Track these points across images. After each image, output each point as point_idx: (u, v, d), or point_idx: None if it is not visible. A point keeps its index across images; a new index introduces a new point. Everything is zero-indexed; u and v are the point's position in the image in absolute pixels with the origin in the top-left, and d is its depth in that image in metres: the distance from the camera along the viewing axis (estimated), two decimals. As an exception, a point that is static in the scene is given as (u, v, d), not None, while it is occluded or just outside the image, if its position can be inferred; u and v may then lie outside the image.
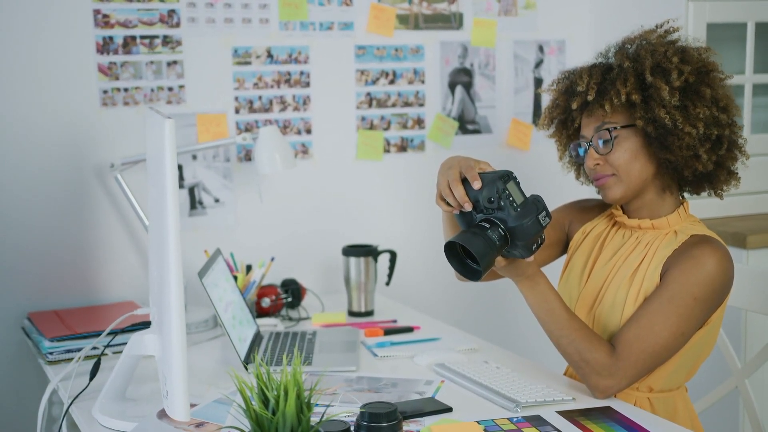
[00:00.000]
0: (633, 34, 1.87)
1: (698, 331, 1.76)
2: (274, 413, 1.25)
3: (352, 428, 1.43)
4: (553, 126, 1.96)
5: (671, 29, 1.85)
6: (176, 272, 1.36)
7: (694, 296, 1.71)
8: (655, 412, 1.80)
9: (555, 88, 1.93)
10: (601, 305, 1.84)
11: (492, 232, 1.65)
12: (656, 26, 1.87)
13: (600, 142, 1.81)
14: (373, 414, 1.40)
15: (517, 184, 1.69)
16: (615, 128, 1.79)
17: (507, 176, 1.68)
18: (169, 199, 1.33)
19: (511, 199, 1.66)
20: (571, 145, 1.90)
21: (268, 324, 2.35)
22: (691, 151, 1.75)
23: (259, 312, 2.41)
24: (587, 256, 1.93)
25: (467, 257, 1.68)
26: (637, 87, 1.76)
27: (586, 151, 1.84)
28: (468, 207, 1.68)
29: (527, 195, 1.70)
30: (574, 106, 1.83)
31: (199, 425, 1.61)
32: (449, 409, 1.70)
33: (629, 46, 1.84)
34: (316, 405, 1.32)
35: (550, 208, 2.14)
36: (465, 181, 1.69)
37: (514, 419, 1.64)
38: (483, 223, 1.67)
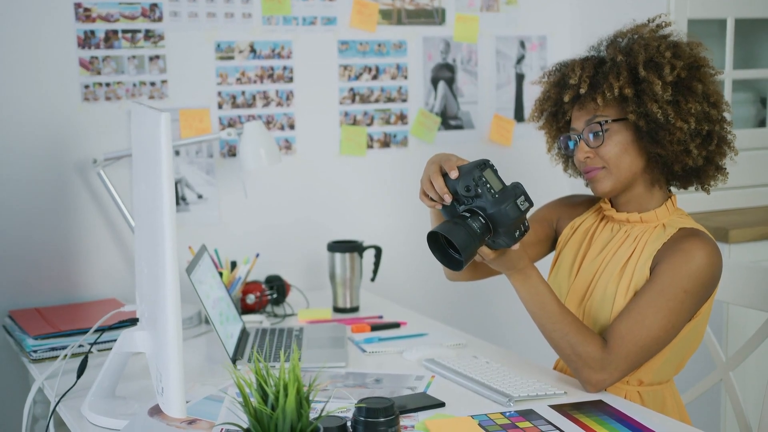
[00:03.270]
0: (625, 27, 1.88)
1: (687, 323, 1.78)
2: (273, 409, 1.24)
3: (348, 424, 1.42)
4: (543, 118, 1.96)
5: (663, 24, 1.86)
6: (172, 268, 1.34)
7: (684, 289, 1.72)
8: (644, 405, 1.81)
9: (547, 81, 1.93)
10: (591, 299, 1.85)
11: (473, 220, 1.65)
12: (648, 20, 1.87)
13: (591, 136, 1.81)
14: (371, 409, 1.40)
15: (495, 171, 1.70)
16: (606, 122, 1.80)
17: (483, 164, 1.69)
18: (165, 194, 1.31)
19: (488, 186, 1.67)
20: (561, 138, 1.90)
21: (254, 320, 2.33)
22: (681, 146, 1.76)
23: (244, 308, 2.40)
24: (576, 251, 1.94)
25: (450, 247, 1.68)
26: (630, 81, 1.76)
27: (576, 143, 1.85)
28: (448, 199, 1.69)
29: (507, 183, 1.70)
30: (566, 99, 1.83)
31: (191, 422, 1.59)
32: (442, 404, 1.70)
33: (621, 40, 1.85)
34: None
35: (535, 204, 2.14)
36: (446, 176, 1.70)
37: (507, 413, 1.65)
38: (464, 213, 1.68)
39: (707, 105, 1.77)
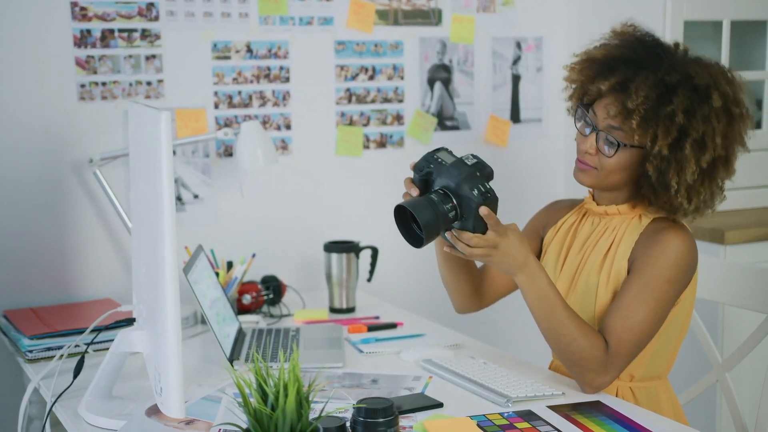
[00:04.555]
0: (707, 60, 1.82)
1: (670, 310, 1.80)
2: (273, 409, 1.24)
3: (347, 424, 1.42)
4: (575, 84, 1.91)
5: (737, 79, 1.81)
6: (172, 268, 1.34)
7: (667, 279, 1.75)
8: (637, 402, 1.83)
9: (608, 81, 1.80)
10: (575, 291, 1.88)
11: (431, 193, 1.70)
12: (729, 70, 1.81)
13: (605, 144, 1.80)
14: (370, 409, 1.40)
15: (450, 152, 1.75)
16: (626, 145, 1.79)
17: (439, 148, 1.76)
18: (165, 193, 1.30)
19: (440, 160, 1.72)
20: (579, 111, 1.86)
21: (250, 321, 2.33)
22: (673, 207, 1.80)
23: (240, 309, 2.39)
24: (560, 247, 1.97)
25: (416, 226, 1.70)
26: (673, 143, 1.74)
27: (590, 133, 1.83)
28: (414, 193, 1.73)
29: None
30: (612, 112, 1.78)
31: (188, 423, 1.59)
32: (440, 405, 1.70)
33: (695, 75, 1.76)
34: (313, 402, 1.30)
35: (528, 206, 2.15)
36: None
37: (506, 414, 1.64)
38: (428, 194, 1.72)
39: (717, 188, 1.80)
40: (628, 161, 1.81)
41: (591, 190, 1.94)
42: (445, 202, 1.68)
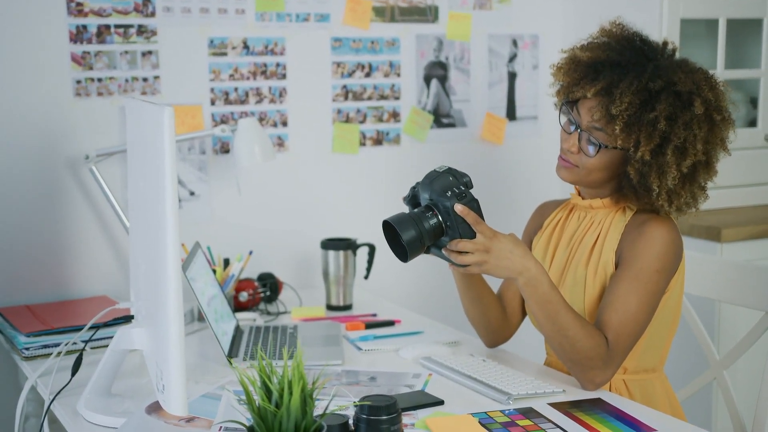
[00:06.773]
0: (692, 64, 1.81)
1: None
2: (277, 406, 1.23)
3: (350, 422, 1.41)
4: (563, 81, 1.90)
5: (720, 85, 1.81)
6: (174, 266, 1.33)
7: (656, 270, 1.77)
8: (631, 395, 1.84)
9: (592, 86, 1.80)
10: (564, 285, 1.89)
11: (413, 208, 1.76)
12: (713, 76, 1.81)
13: (588, 144, 1.81)
14: (373, 407, 1.39)
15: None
16: (607, 147, 1.80)
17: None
18: (168, 190, 1.29)
19: (418, 181, 1.79)
20: (564, 107, 1.87)
21: (247, 318, 2.32)
22: (654, 208, 1.82)
23: (237, 306, 2.39)
24: (547, 243, 1.98)
25: (400, 237, 1.72)
26: (655, 149, 1.75)
27: (573, 130, 1.83)
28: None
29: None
30: (596, 117, 1.78)
31: (189, 420, 1.58)
32: (441, 402, 1.69)
33: (678, 81, 1.76)
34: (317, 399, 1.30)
35: (523, 203, 2.15)
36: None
37: (507, 411, 1.64)
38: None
39: (698, 189, 1.81)
40: (609, 162, 1.81)
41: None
42: (428, 215, 1.72)
